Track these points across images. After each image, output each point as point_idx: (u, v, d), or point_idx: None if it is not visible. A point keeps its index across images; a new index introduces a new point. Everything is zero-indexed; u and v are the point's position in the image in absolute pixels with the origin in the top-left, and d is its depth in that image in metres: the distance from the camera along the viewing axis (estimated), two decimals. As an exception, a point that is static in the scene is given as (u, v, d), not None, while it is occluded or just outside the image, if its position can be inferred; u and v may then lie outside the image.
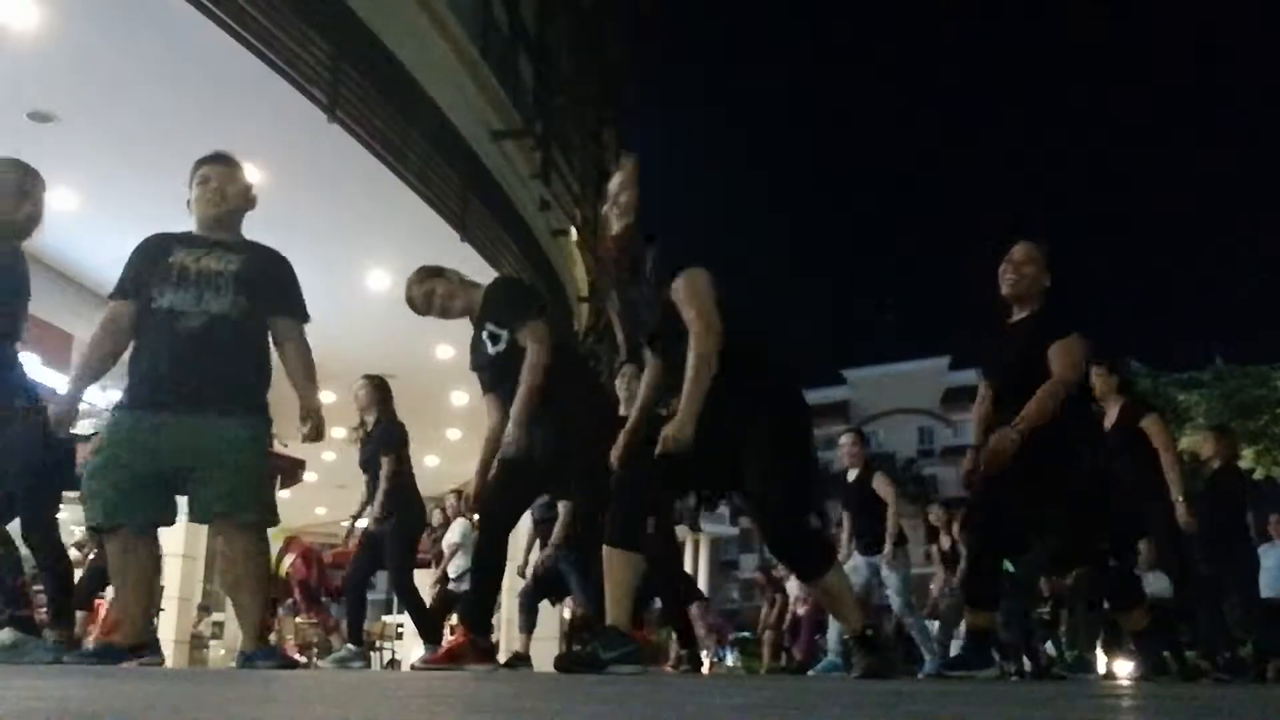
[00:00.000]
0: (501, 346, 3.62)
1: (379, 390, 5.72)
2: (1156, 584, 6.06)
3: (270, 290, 3.23)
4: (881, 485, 6.37)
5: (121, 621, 3.25)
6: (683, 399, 2.84)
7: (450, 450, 11.63)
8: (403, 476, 5.57)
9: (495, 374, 3.68)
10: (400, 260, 7.74)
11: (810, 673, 6.58)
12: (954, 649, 7.58)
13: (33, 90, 5.54)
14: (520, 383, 3.51)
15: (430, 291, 3.82)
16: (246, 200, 3.33)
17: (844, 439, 6.63)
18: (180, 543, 8.51)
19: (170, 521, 3.23)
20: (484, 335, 3.67)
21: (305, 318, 3.34)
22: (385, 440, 5.58)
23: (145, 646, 3.20)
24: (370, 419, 5.69)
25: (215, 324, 3.08)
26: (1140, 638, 4.05)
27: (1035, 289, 3.68)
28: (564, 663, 3.06)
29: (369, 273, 7.80)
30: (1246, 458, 16.22)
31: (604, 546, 2.94)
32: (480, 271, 7.94)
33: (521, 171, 9.26)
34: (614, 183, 3.15)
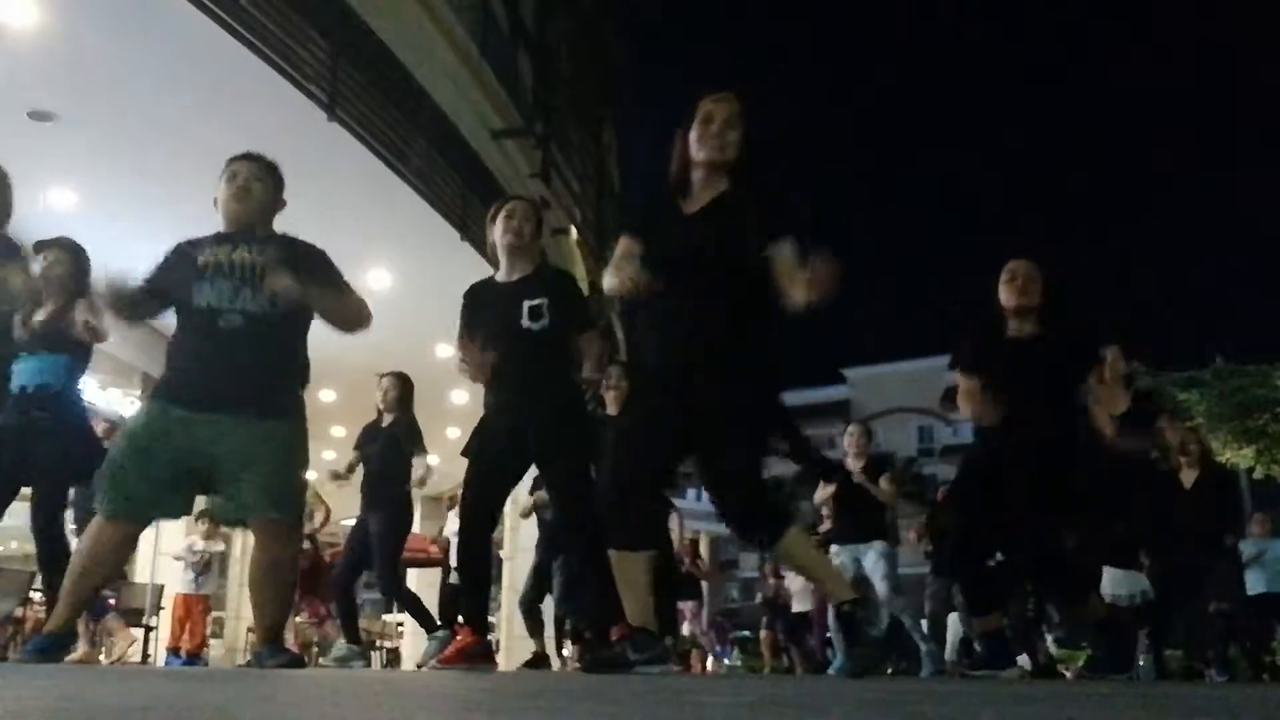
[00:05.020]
0: (544, 324, 3.51)
1: (406, 386, 5.79)
2: (1126, 587, 6.12)
3: (310, 279, 3.14)
4: (885, 483, 6.42)
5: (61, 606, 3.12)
6: None
7: (450, 450, 11.62)
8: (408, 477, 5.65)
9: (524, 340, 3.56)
10: (400, 260, 7.77)
11: (830, 671, 6.58)
12: (947, 649, 7.59)
13: (33, 90, 5.54)
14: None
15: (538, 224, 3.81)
16: (274, 201, 3.28)
17: (853, 428, 6.68)
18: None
19: (177, 516, 3.23)
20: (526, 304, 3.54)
21: None
22: (418, 441, 5.68)
23: (69, 637, 3.15)
24: (391, 416, 5.73)
25: (253, 324, 3.02)
26: (1103, 630, 4.06)
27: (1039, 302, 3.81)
28: (593, 664, 3.06)
29: (369, 272, 7.79)
30: (1246, 456, 16.20)
31: (612, 551, 2.93)
32: (481, 271, 7.95)
33: (521, 171, 9.26)
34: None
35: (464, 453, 3.61)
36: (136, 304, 3.17)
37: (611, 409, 5.09)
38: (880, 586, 6.40)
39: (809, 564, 3.13)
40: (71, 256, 4.16)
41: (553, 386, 3.53)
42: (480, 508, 3.59)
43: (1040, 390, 3.67)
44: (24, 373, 4.01)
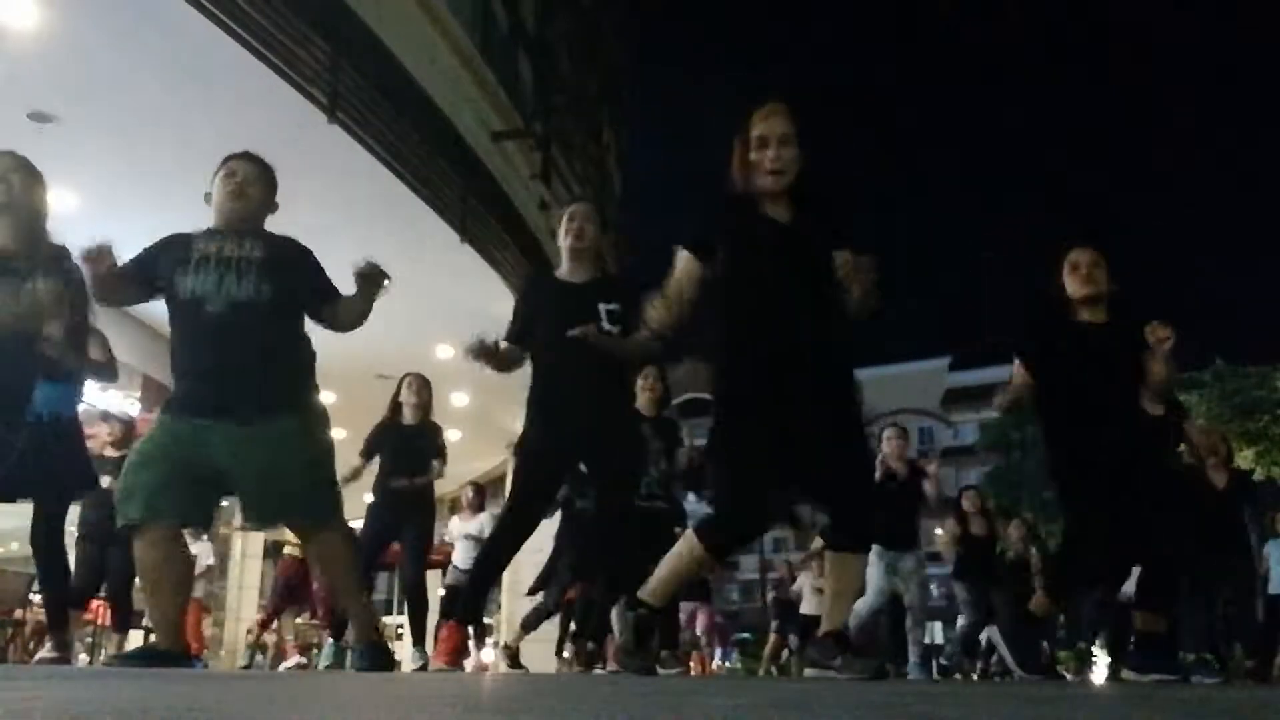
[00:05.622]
0: (619, 328, 3.53)
1: (430, 389, 5.84)
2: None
3: (301, 279, 3.13)
4: (929, 488, 6.38)
5: (159, 625, 3.10)
6: None
7: (450, 450, 11.60)
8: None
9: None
10: (400, 260, 7.75)
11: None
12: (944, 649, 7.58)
13: (33, 90, 5.55)
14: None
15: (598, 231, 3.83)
16: (269, 203, 3.25)
17: (890, 431, 6.60)
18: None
19: (198, 521, 3.17)
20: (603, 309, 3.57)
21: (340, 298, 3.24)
22: (439, 444, 5.78)
23: (182, 654, 3.07)
24: (416, 417, 5.74)
25: (240, 311, 2.96)
26: (1151, 640, 4.03)
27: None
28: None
29: (369, 273, 7.78)
30: (1247, 458, 16.19)
31: (690, 531, 2.94)
32: (481, 271, 7.96)
33: (521, 171, 9.26)
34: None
35: (515, 449, 3.62)
36: (118, 286, 3.11)
37: (645, 410, 5.06)
38: (917, 595, 6.39)
39: (852, 583, 3.01)
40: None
41: (620, 391, 3.67)
42: (531, 505, 3.60)
43: (1118, 378, 3.65)
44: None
